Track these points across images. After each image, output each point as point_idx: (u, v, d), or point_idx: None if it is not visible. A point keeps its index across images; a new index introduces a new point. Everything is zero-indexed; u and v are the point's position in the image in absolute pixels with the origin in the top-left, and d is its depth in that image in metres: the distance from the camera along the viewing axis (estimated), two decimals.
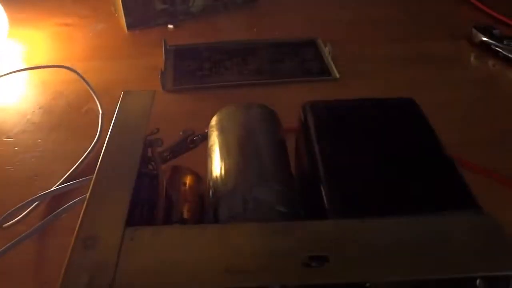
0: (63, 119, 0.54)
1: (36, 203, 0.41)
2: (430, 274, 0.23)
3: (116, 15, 0.75)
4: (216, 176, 0.30)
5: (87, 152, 0.47)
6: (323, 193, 0.28)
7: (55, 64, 0.63)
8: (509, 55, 0.62)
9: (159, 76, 0.58)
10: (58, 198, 0.43)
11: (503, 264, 0.24)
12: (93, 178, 0.27)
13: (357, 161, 0.30)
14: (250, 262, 0.23)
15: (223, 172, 0.30)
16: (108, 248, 0.23)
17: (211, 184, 0.31)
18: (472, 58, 0.65)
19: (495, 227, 0.25)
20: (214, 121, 0.35)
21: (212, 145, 0.33)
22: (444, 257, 0.24)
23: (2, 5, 0.68)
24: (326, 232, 0.25)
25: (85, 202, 0.26)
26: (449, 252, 0.24)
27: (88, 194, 0.26)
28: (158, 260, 0.23)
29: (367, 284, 0.26)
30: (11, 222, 0.39)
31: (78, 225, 0.24)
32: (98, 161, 0.29)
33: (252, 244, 0.24)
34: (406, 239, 0.24)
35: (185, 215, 0.32)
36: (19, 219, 0.40)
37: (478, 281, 0.26)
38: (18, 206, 0.39)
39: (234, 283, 0.22)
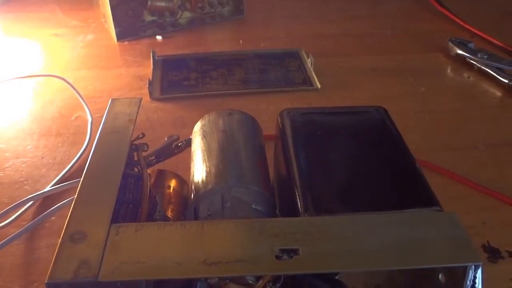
0: (53, 126, 0.55)
1: (29, 204, 0.42)
2: (395, 265, 0.25)
3: (106, 26, 0.77)
4: (198, 178, 0.32)
5: (76, 157, 0.49)
6: (297, 195, 0.30)
7: (46, 73, 0.65)
8: (483, 68, 0.65)
9: (147, 85, 0.60)
10: (48, 201, 0.44)
11: (460, 257, 0.25)
12: (81, 179, 0.29)
13: (330, 165, 0.32)
14: (226, 255, 0.24)
15: (204, 174, 0.32)
16: (94, 242, 0.25)
17: (193, 186, 0.33)
18: (447, 70, 0.68)
19: (453, 223, 0.27)
20: (197, 127, 0.37)
21: (195, 150, 0.35)
22: (408, 250, 0.25)
23: None
24: (297, 227, 0.26)
25: (73, 201, 0.28)
26: (412, 245, 0.26)
27: (76, 193, 0.28)
28: (141, 252, 0.24)
29: (337, 277, 0.28)
30: (2, 224, 0.41)
31: (66, 222, 0.26)
32: (85, 165, 0.31)
33: (229, 239, 0.26)
34: (372, 234, 0.26)
35: (169, 215, 0.34)
36: (10, 221, 0.41)
37: (440, 275, 0.28)
38: (9, 207, 0.41)
39: (211, 273, 0.24)
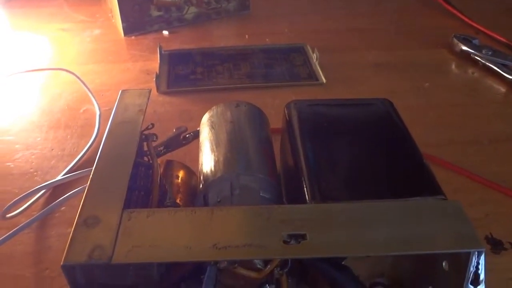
0: (62, 119, 0.56)
1: (40, 194, 0.43)
2: (399, 250, 0.26)
3: (113, 20, 0.77)
4: (207, 167, 0.33)
5: (85, 149, 0.50)
6: (304, 184, 0.30)
7: (54, 67, 0.66)
8: (488, 64, 0.66)
9: (154, 79, 0.61)
10: (57, 191, 0.45)
11: (464, 243, 0.26)
12: (94, 167, 0.30)
13: (336, 155, 0.33)
14: (235, 239, 0.25)
15: (212, 163, 0.32)
16: (107, 227, 0.26)
17: (201, 175, 0.33)
18: (452, 66, 0.68)
19: (457, 212, 0.28)
20: (205, 118, 0.38)
21: (203, 140, 0.36)
22: (412, 236, 0.26)
23: (2, 11, 0.70)
24: (305, 214, 0.27)
25: (86, 188, 0.28)
26: (417, 232, 0.26)
27: (89, 180, 0.29)
28: (152, 237, 0.25)
29: (343, 262, 0.29)
30: (14, 212, 0.42)
31: (80, 207, 0.27)
32: (97, 154, 0.31)
33: (238, 224, 0.26)
34: (377, 220, 0.27)
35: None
36: (20, 210, 0.42)
37: (444, 263, 0.29)
38: (19, 197, 0.42)
39: (220, 257, 0.25)
